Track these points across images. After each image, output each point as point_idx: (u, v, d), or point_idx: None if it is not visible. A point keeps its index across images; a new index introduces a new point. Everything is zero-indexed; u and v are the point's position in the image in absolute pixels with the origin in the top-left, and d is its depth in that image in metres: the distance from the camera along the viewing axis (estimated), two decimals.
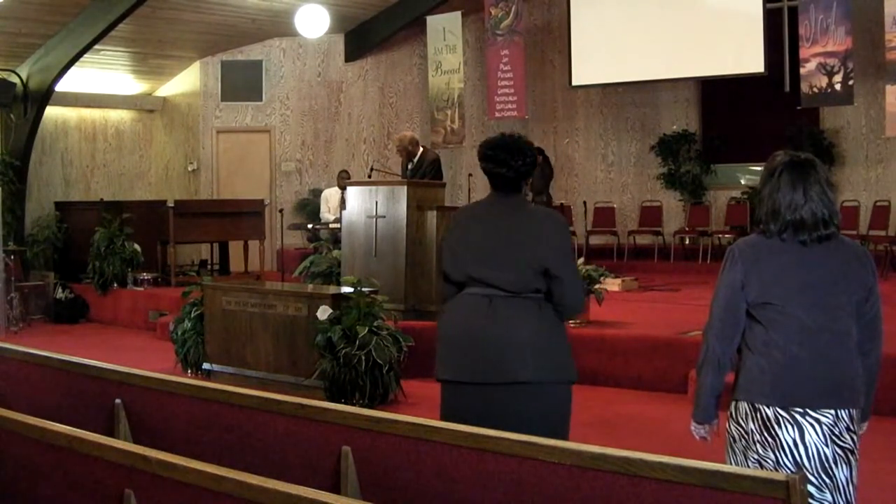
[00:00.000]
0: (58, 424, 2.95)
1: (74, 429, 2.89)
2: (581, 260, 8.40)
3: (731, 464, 3.05)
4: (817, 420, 2.90)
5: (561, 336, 3.63)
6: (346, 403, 5.77)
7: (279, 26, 13.47)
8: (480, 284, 3.58)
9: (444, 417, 3.58)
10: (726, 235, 12.88)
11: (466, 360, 3.56)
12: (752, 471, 2.63)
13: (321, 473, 3.05)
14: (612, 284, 10.38)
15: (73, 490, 2.84)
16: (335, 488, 2.99)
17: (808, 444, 2.90)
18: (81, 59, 11.90)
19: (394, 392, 7.00)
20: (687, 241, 13.56)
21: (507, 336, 3.50)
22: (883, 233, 11.73)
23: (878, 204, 12.16)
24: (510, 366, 3.49)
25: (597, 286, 7.87)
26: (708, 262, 12.66)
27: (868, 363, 3.01)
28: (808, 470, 2.88)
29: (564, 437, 3.43)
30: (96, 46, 11.73)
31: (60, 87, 12.29)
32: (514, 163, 3.64)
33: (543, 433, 2.88)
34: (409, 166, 9.70)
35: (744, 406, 3.00)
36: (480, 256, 3.60)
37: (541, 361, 3.50)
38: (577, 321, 7.83)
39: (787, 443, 2.91)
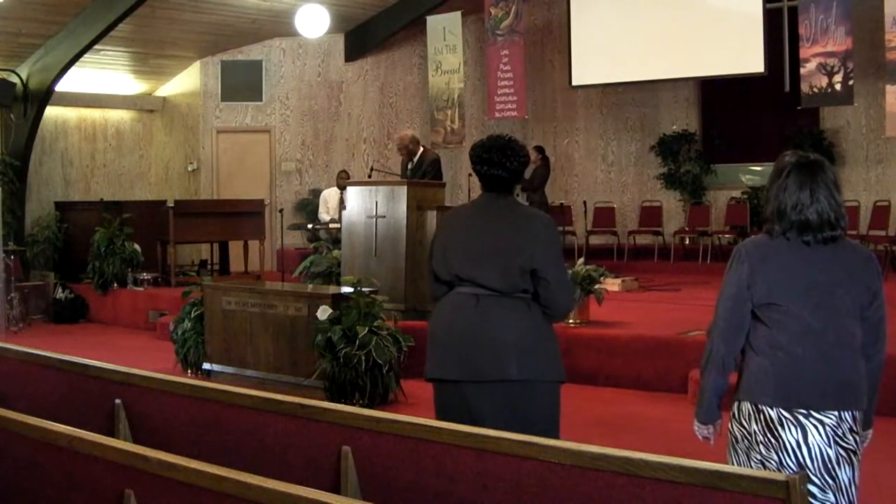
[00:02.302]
0: (58, 424, 2.95)
1: (74, 429, 2.89)
2: (581, 260, 8.41)
3: (733, 464, 3.04)
4: (820, 421, 2.89)
5: (548, 336, 3.64)
6: (346, 403, 5.77)
7: (279, 26, 13.47)
8: (469, 284, 3.60)
9: (437, 416, 3.61)
10: (726, 235, 12.90)
11: (454, 359, 3.60)
12: (752, 471, 2.62)
13: (321, 473, 3.05)
14: (612, 284, 10.38)
15: (73, 490, 2.84)
16: (335, 488, 2.99)
17: (811, 445, 2.89)
18: (81, 59, 11.89)
19: (394, 392, 6.99)
20: (687, 241, 13.56)
21: (492, 334, 3.52)
22: (883, 233, 11.74)
23: (878, 204, 12.16)
24: (496, 364, 3.51)
25: (597, 286, 7.87)
26: (708, 262, 12.67)
27: (871, 367, 2.99)
28: (811, 471, 2.87)
29: (554, 437, 3.43)
30: (96, 46, 11.72)
31: (60, 87, 12.28)
32: (508, 164, 3.65)
33: (531, 432, 2.88)
34: (410, 165, 9.70)
35: (747, 407, 2.99)
36: (468, 256, 3.62)
37: (527, 360, 3.52)
38: (577, 321, 7.84)
39: (791, 444, 2.90)
